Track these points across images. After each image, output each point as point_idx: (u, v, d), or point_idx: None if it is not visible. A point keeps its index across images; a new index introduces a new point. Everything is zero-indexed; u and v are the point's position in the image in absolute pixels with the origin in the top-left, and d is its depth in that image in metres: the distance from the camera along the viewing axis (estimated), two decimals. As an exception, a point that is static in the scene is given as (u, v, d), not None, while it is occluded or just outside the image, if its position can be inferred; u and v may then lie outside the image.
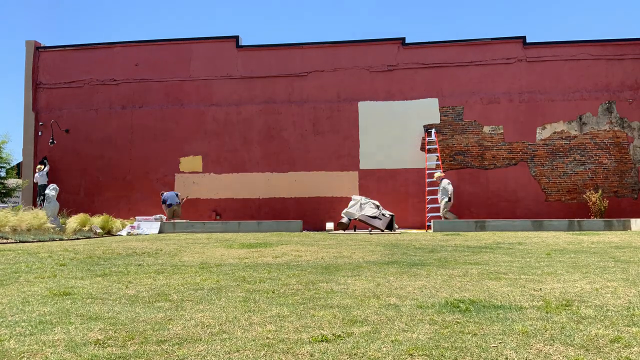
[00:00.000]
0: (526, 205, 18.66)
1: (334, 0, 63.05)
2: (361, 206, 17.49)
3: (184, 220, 18.52)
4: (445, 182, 17.90)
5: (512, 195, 18.82)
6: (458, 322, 4.40)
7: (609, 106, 18.82)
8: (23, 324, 4.57)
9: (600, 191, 18.26)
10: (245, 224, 18.16)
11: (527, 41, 19.29)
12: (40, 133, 21.00)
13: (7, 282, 6.78)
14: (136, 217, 19.02)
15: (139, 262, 8.83)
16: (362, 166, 19.49)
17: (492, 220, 17.57)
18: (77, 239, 15.30)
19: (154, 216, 19.32)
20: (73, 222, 16.85)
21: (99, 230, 16.76)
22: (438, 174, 18.27)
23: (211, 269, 7.72)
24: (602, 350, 3.68)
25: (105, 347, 3.87)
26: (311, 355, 3.64)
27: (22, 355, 3.73)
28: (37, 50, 21.41)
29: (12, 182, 21.31)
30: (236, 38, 20.53)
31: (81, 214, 17.50)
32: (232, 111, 20.23)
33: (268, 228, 17.80)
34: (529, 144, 18.99)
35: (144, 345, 3.89)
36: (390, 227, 17.49)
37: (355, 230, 17.21)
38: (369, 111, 19.63)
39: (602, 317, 4.52)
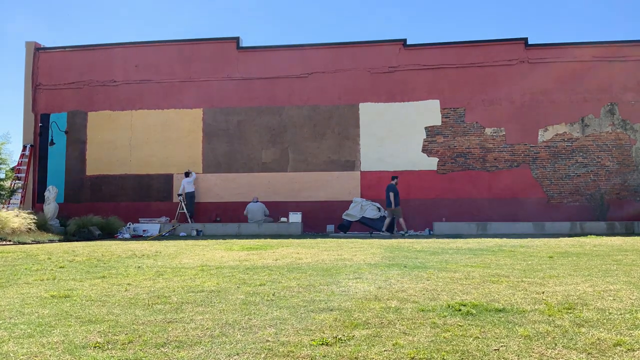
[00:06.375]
0: (528, 207, 18.60)
1: (334, 1, 63.10)
2: (362, 208, 17.48)
3: (180, 223, 18.50)
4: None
5: (514, 197, 18.76)
6: (459, 326, 4.37)
7: (611, 108, 18.77)
8: (22, 326, 4.54)
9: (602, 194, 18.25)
10: (246, 226, 18.14)
11: (529, 42, 19.24)
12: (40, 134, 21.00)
13: (6, 284, 6.75)
14: (139, 219, 19.02)
15: (138, 264, 8.81)
16: (363, 168, 19.45)
17: (493, 223, 17.55)
18: (77, 240, 15.29)
19: (154, 218, 19.34)
20: (72, 223, 16.84)
21: (98, 232, 16.74)
22: None
23: (211, 272, 7.69)
24: (605, 354, 3.65)
25: (105, 350, 3.84)
26: (312, 359, 3.61)
27: (22, 358, 3.71)
28: (37, 51, 21.39)
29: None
30: (237, 39, 20.50)
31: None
32: (232, 112, 20.21)
33: (268, 230, 17.78)
34: (530, 146, 18.94)
35: (144, 348, 3.87)
36: (391, 229, 17.47)
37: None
38: (370, 112, 19.59)
39: (605, 321, 4.49)
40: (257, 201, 19.00)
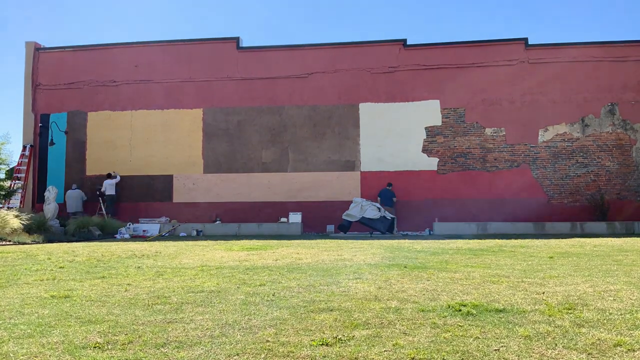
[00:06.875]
0: (528, 207, 18.59)
1: (334, 2, 63.10)
2: (362, 208, 17.47)
3: (180, 223, 18.50)
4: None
5: (514, 197, 18.75)
6: (460, 326, 4.36)
7: (611, 108, 18.77)
8: (22, 326, 4.54)
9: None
10: (246, 226, 18.13)
11: (529, 43, 19.24)
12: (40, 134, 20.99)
13: (6, 284, 6.75)
14: (139, 219, 19.02)
15: (138, 264, 8.80)
16: (363, 168, 19.45)
17: (494, 223, 17.55)
18: (77, 240, 15.28)
19: (154, 218, 19.33)
20: (72, 223, 16.84)
21: (98, 232, 16.74)
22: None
23: (211, 272, 7.69)
24: (605, 354, 3.65)
25: (105, 350, 3.84)
26: (312, 359, 3.61)
27: (21, 358, 3.70)
28: (37, 51, 21.39)
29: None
30: (237, 39, 20.50)
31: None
32: (232, 112, 20.20)
33: (268, 230, 17.78)
34: (531, 146, 18.94)
35: (144, 349, 3.86)
36: (391, 229, 17.47)
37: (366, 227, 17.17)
38: (370, 113, 19.58)
39: (605, 321, 4.48)
40: (75, 188, 19.59)
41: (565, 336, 4.05)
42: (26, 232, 14.91)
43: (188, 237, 16.49)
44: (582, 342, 3.90)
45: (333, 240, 14.16)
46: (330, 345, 3.88)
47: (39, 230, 15.63)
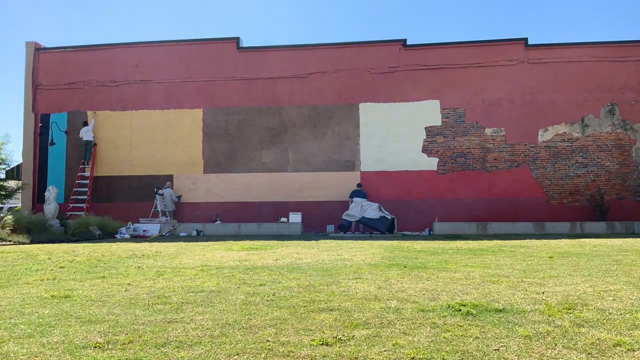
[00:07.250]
0: (528, 207, 18.60)
1: (334, 2, 63.14)
2: (362, 208, 17.49)
3: (180, 223, 18.51)
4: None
5: (514, 197, 18.76)
6: (459, 326, 4.36)
7: (611, 108, 18.78)
8: (22, 326, 4.54)
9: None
10: (246, 226, 18.12)
11: (529, 43, 19.25)
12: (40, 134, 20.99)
13: (6, 284, 6.75)
14: (140, 219, 19.01)
15: (138, 264, 8.81)
16: (363, 168, 19.45)
17: (493, 223, 17.54)
18: (77, 240, 15.29)
19: (154, 218, 19.32)
20: (72, 223, 16.84)
21: (98, 232, 16.74)
22: None
23: (211, 272, 7.69)
24: (605, 354, 3.65)
25: (105, 350, 3.84)
26: (312, 359, 3.61)
27: (22, 358, 3.71)
28: (37, 51, 21.38)
29: (12, 183, 21.25)
30: (237, 39, 20.50)
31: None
32: (233, 112, 20.21)
33: (268, 230, 17.78)
34: (530, 146, 18.94)
35: (144, 349, 3.86)
36: (391, 229, 17.48)
37: (359, 231, 17.18)
38: (370, 113, 19.59)
39: (605, 321, 4.49)
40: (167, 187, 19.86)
41: (565, 336, 4.06)
42: (26, 232, 14.92)
43: (188, 237, 16.49)
44: (582, 342, 3.90)
45: (333, 240, 14.17)
46: (330, 345, 3.88)
47: (39, 230, 15.64)
